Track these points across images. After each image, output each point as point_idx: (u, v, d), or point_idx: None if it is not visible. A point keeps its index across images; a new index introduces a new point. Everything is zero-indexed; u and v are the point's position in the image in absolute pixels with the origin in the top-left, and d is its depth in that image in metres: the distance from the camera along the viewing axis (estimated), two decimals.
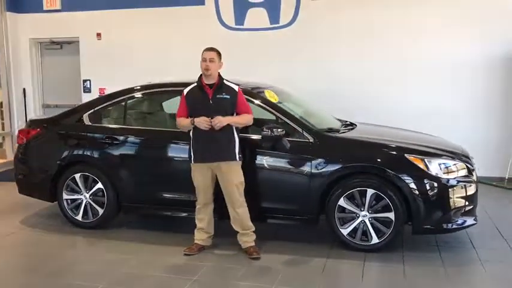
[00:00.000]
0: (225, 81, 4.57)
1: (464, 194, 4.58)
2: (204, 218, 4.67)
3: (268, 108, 4.94)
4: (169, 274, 4.22)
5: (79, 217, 5.35)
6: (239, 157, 4.52)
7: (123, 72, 8.53)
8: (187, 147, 4.68)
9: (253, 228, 4.66)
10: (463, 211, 4.61)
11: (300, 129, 4.80)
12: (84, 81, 8.81)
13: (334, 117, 5.86)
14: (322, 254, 4.59)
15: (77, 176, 5.31)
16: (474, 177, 4.74)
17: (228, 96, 4.48)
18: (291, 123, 4.83)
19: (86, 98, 8.78)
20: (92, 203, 5.30)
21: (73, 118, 5.49)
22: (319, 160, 4.66)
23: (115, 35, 8.58)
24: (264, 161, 4.79)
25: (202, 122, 4.41)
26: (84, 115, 5.43)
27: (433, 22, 7.33)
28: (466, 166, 4.71)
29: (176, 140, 5.02)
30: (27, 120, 5.86)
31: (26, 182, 5.68)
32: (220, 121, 4.39)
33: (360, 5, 7.55)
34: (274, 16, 7.88)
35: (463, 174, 4.65)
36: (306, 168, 4.68)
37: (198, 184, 4.58)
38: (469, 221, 4.65)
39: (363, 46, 7.58)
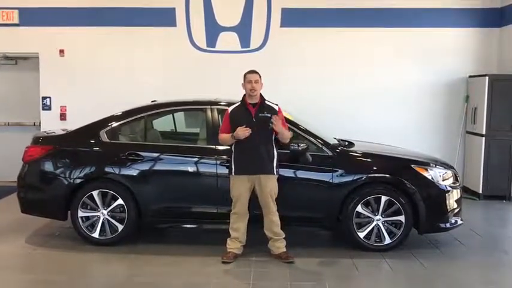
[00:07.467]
0: (266, 101, 4.99)
1: (455, 198, 5.45)
2: (239, 228, 4.98)
3: (290, 126, 5.37)
4: (226, 280, 4.50)
5: (95, 234, 5.33)
6: (276, 171, 4.94)
7: (86, 91, 8.47)
8: (211, 161, 5.15)
9: (284, 235, 5.07)
10: (454, 212, 5.46)
11: (319, 145, 5.34)
12: (44, 98, 8.50)
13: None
14: (344, 256, 5.14)
15: (95, 192, 5.32)
16: (459, 184, 5.63)
17: (269, 115, 4.89)
18: (311, 139, 5.35)
19: (45, 115, 8.59)
20: (110, 219, 5.33)
21: (88, 135, 5.49)
22: (340, 171, 5.24)
23: (80, 52, 8.44)
24: (293, 173, 5.23)
25: (240, 132, 4.74)
26: (101, 132, 5.46)
27: (384, 53, 8.36)
28: (454, 174, 5.58)
29: (200, 154, 5.32)
30: (34, 136, 5.66)
31: (33, 201, 5.52)
32: (277, 121, 4.78)
33: (323, 35, 8.35)
34: (245, 40, 8.38)
35: (452, 181, 5.51)
36: (328, 179, 5.23)
37: (237, 195, 4.90)
38: (459, 221, 5.51)
39: (324, 71, 8.36)
